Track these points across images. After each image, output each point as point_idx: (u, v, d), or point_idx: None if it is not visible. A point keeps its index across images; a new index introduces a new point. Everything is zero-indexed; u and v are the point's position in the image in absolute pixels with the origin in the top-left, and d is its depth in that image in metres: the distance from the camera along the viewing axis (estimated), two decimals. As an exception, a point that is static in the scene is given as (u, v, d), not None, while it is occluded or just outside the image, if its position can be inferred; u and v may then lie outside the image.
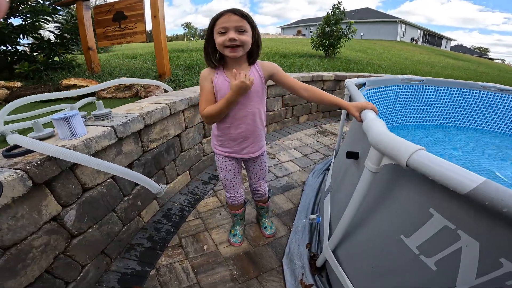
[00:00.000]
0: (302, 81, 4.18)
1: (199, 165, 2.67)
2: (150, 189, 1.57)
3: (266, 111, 3.76)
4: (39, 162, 1.16)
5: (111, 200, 1.66)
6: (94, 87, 2.32)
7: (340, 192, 1.54)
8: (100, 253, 1.56)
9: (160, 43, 3.13)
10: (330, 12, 7.60)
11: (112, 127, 1.60)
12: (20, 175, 1.08)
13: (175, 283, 1.49)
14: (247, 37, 1.09)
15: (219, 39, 1.08)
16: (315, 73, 4.23)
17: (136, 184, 1.90)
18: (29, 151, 1.23)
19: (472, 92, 2.80)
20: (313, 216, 1.77)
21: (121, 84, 3.34)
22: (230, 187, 1.57)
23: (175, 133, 2.31)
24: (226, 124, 1.30)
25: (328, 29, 7.46)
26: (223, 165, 1.49)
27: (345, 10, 7.56)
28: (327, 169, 2.59)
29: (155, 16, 3.01)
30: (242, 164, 1.62)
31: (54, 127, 1.44)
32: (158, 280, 1.51)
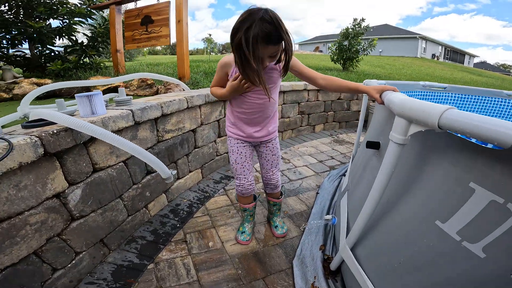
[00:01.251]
0: (319, 89, 4.12)
1: (211, 164, 2.60)
2: (160, 172, 1.50)
3: (281, 118, 3.72)
4: (55, 131, 1.13)
5: (119, 186, 1.60)
6: (117, 78, 2.36)
7: (359, 189, 1.40)
8: (99, 241, 1.48)
9: (182, 47, 3.20)
10: (350, 25, 7.59)
11: (131, 110, 1.60)
12: (33, 140, 1.04)
13: (173, 279, 1.37)
14: (277, 57, 1.07)
15: (250, 60, 0.97)
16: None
17: (147, 173, 1.85)
18: (49, 123, 1.22)
19: (497, 101, 2.60)
20: (329, 216, 1.62)
21: (143, 82, 3.43)
22: (240, 172, 1.48)
23: (190, 127, 2.28)
24: (241, 109, 1.33)
25: (346, 42, 7.43)
26: (235, 147, 1.44)
27: (368, 27, 7.53)
28: (344, 175, 2.43)
29: (179, 20, 3.10)
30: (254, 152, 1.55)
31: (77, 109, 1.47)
32: (155, 275, 1.39)
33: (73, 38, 4.28)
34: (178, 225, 1.81)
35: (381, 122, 1.40)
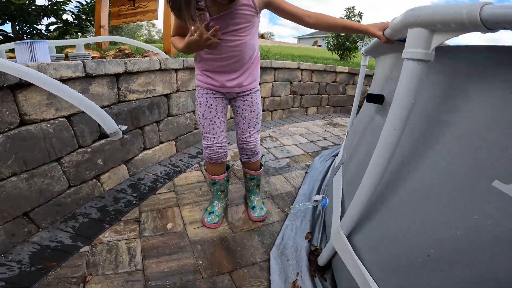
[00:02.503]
0: (313, 69, 3.73)
1: (188, 137, 2.20)
2: (103, 126, 1.11)
3: (272, 96, 3.33)
4: None
5: (58, 146, 1.21)
6: (91, 39, 1.96)
7: (357, 158, 1.04)
8: (21, 215, 1.09)
9: (169, 19, 2.78)
10: (343, 15, 7.18)
11: (82, 61, 1.27)
12: None
13: (109, 266, 1.00)
14: None
15: None
16: (328, 65, 3.76)
17: (101, 137, 1.46)
18: None
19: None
20: (318, 196, 1.27)
21: (120, 52, 3.00)
22: (208, 129, 1.11)
23: (163, 91, 1.88)
24: (209, 55, 1.03)
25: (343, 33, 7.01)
26: (203, 98, 1.09)
27: (361, 14, 7.12)
28: (337, 155, 2.08)
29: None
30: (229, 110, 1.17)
31: None
32: (87, 260, 1.02)
33: (62, 17, 4.03)
34: (135, 201, 1.43)
35: (386, 71, 1.04)
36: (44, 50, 1.24)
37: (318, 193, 1.51)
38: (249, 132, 1.16)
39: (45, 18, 3.89)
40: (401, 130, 0.58)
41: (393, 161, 0.65)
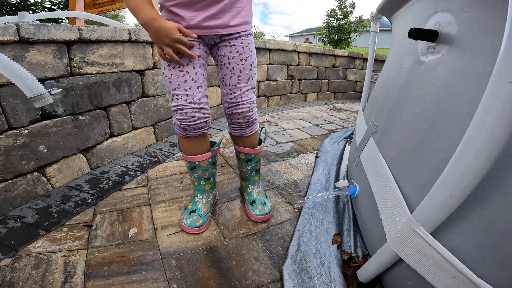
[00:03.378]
0: (311, 53, 3.36)
1: (170, 123, 1.79)
2: (20, 86, 0.71)
3: (267, 80, 2.94)
4: None
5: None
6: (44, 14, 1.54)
7: (402, 120, 0.65)
8: None
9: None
10: (335, 6, 6.89)
11: (16, 24, 0.98)
12: None
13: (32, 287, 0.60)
14: None
15: None
16: (326, 48, 3.39)
17: (44, 117, 1.08)
18: None
19: None
20: (343, 182, 0.88)
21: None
22: (178, 83, 0.72)
23: (135, 67, 1.50)
24: None
25: (335, 23, 6.74)
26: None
27: (354, 4, 6.83)
28: (350, 137, 1.70)
29: None
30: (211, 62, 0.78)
31: None
32: (2, 278, 0.63)
33: (36, 11, 3.74)
34: (90, 200, 1.02)
35: (419, 15, 0.66)
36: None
37: (337, 179, 1.13)
38: (240, 89, 0.77)
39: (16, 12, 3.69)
40: None
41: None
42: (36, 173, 1.06)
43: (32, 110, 1.03)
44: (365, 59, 3.69)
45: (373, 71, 3.77)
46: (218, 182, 1.16)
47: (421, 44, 0.70)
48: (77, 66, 1.21)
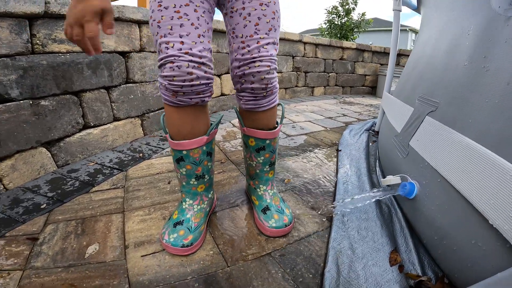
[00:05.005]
0: (318, 44, 3.12)
1: (159, 115, 1.54)
2: None
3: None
4: None
5: None
6: None
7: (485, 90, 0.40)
8: None
9: None
10: (337, 3, 6.75)
11: None
12: None
13: None
14: None
15: None
16: (333, 39, 3.16)
17: None
18: None
19: None
20: (394, 179, 0.62)
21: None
22: (170, 26, 0.48)
23: (117, 47, 1.27)
24: None
25: (337, 20, 6.58)
26: None
27: (357, 1, 6.67)
28: (371, 130, 1.45)
29: None
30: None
31: None
32: None
33: None
34: (45, 205, 0.75)
35: None
36: None
37: (370, 175, 0.87)
38: (258, 41, 0.53)
39: None
40: None
41: None
42: (-22, 171, 0.80)
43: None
44: (374, 52, 3.45)
45: (381, 64, 3.54)
46: (216, 182, 0.90)
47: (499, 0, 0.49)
48: (40, 43, 0.98)
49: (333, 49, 3.11)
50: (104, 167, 1.01)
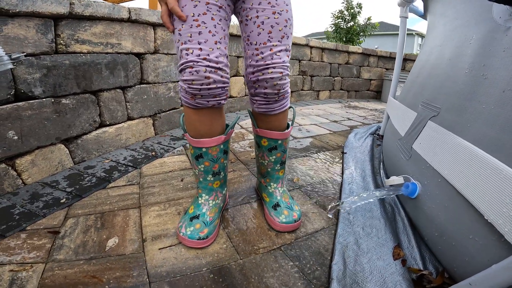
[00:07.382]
0: (324, 48, 3.16)
1: (171, 115, 1.58)
2: None
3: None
4: None
5: None
6: None
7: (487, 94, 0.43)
8: None
9: None
10: (342, 7, 6.79)
11: None
12: None
13: None
14: None
15: None
16: (339, 43, 3.20)
17: (18, 98, 0.92)
18: None
19: None
20: (397, 179, 0.66)
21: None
22: (190, 34, 0.53)
23: (133, 49, 1.32)
24: None
25: (343, 24, 6.63)
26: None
27: (361, 4, 6.72)
28: (375, 134, 1.47)
29: None
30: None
31: None
32: None
33: None
34: (64, 200, 0.80)
35: None
36: None
37: (374, 176, 0.90)
38: (271, 49, 0.56)
39: None
40: None
41: None
42: (3, 165, 0.85)
43: (3, 89, 0.84)
44: (380, 57, 3.47)
45: (386, 69, 3.56)
46: (228, 180, 0.94)
47: (500, 10, 0.52)
48: (64, 44, 1.04)
49: (339, 53, 3.14)
50: (119, 164, 1.06)
